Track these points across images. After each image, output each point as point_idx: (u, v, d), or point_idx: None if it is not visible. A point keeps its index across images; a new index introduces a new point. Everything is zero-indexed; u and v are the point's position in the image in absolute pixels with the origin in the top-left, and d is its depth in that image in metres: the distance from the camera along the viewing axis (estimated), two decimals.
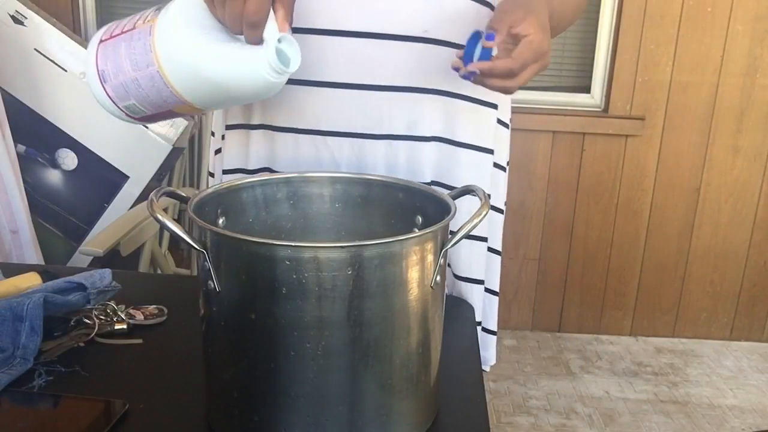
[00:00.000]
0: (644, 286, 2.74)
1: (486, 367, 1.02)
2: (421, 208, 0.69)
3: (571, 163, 2.62)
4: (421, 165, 0.87)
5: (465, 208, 0.78)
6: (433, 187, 0.71)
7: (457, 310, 0.89)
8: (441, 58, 0.83)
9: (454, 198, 0.66)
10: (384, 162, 0.86)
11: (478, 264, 0.94)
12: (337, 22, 0.81)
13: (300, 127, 0.85)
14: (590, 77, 2.63)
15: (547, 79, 2.67)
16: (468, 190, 0.68)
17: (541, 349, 2.67)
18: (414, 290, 0.57)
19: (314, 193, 0.74)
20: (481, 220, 0.59)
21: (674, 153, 2.59)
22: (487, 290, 1.00)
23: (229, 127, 0.92)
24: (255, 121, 0.88)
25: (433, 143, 0.87)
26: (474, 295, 0.94)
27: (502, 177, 0.98)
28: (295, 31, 0.82)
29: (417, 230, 0.65)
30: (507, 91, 0.75)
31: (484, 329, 1.02)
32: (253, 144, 0.89)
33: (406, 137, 0.86)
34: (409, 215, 0.70)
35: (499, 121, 0.96)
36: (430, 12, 0.82)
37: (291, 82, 0.83)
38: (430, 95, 0.86)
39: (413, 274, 0.56)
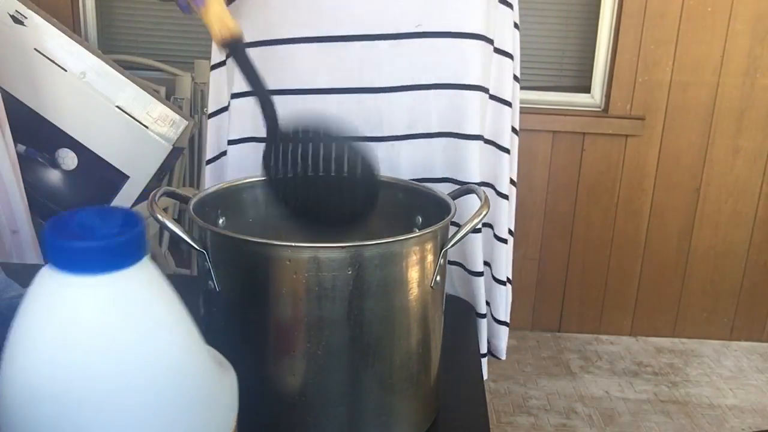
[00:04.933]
0: (644, 286, 2.74)
1: (484, 365, 1.02)
2: (421, 208, 0.69)
3: (571, 163, 2.62)
4: (428, 163, 0.86)
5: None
6: (433, 187, 0.71)
7: (458, 310, 0.88)
8: (438, 51, 0.82)
9: (455, 198, 0.66)
10: (387, 163, 0.85)
11: (484, 252, 0.94)
12: (325, 29, 0.80)
13: None
14: (590, 77, 2.63)
15: (547, 79, 2.67)
16: (468, 190, 0.68)
17: (541, 349, 2.67)
18: (414, 290, 0.57)
19: None
20: (481, 220, 0.59)
21: (674, 153, 2.59)
22: (493, 278, 1.00)
23: (231, 142, 0.90)
24: (258, 134, 0.87)
25: (440, 139, 0.86)
26: (481, 283, 0.94)
27: (505, 159, 0.96)
28: (286, 42, 0.81)
29: (417, 230, 0.65)
30: None
31: (494, 319, 1.01)
32: (252, 155, 0.88)
33: (407, 137, 0.85)
34: (409, 215, 0.70)
35: (493, 97, 0.93)
36: (420, 4, 0.80)
37: (290, 92, 0.83)
38: (434, 90, 0.84)
39: (413, 274, 0.56)
